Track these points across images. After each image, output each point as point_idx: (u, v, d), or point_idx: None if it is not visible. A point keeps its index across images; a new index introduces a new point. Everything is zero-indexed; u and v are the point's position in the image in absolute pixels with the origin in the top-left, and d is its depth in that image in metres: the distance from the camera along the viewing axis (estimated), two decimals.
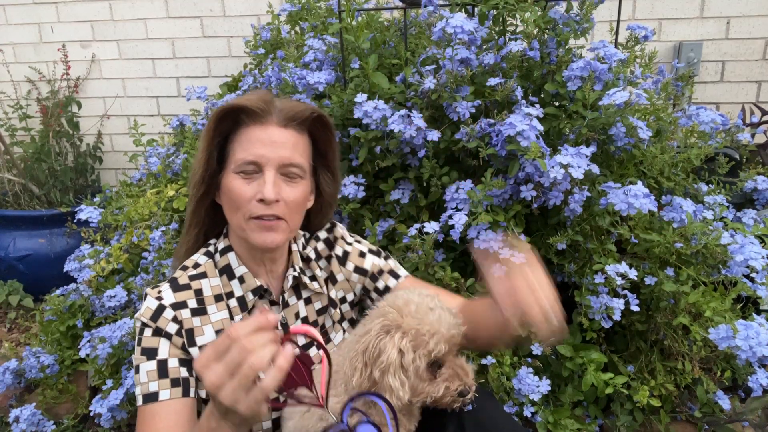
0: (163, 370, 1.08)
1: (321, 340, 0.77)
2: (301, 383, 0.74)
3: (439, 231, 1.63)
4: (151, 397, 1.06)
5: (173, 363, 1.10)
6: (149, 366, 1.10)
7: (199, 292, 1.18)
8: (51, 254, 2.96)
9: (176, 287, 1.17)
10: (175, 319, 1.13)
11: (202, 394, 1.16)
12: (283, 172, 1.15)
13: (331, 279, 1.33)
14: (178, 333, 1.13)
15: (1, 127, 3.48)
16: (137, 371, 1.10)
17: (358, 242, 1.40)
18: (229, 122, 1.17)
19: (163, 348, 1.11)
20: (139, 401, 1.08)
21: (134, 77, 3.59)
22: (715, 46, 3.03)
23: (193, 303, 1.16)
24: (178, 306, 1.15)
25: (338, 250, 1.36)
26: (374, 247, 1.41)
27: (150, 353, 1.11)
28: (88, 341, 1.90)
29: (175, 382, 1.08)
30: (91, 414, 1.80)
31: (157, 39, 3.50)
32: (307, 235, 1.36)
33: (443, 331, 1.02)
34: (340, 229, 1.38)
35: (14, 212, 3.01)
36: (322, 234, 1.36)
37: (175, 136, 2.48)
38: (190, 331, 1.14)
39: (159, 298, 1.14)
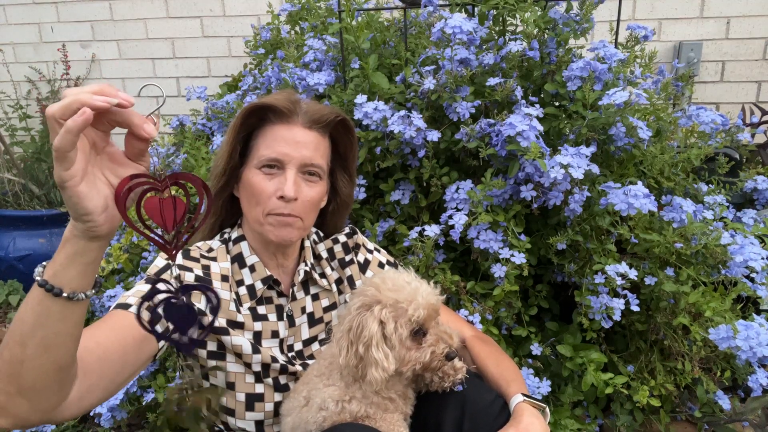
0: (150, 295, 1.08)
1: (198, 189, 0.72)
2: (163, 220, 0.71)
3: (440, 234, 1.63)
4: (123, 306, 1.05)
5: (163, 296, 1.09)
6: (142, 287, 1.10)
7: (206, 267, 1.20)
8: (51, 254, 2.90)
9: (186, 256, 1.18)
10: (177, 278, 1.12)
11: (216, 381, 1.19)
12: (303, 172, 1.19)
13: (349, 282, 1.36)
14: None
15: (1, 127, 3.48)
16: (130, 290, 1.11)
17: (378, 251, 1.45)
18: (255, 119, 1.21)
19: (163, 284, 1.11)
20: (112, 307, 1.07)
21: (134, 77, 3.60)
22: (715, 46, 3.03)
23: (198, 271, 1.17)
24: (184, 268, 1.15)
25: (360, 257, 1.40)
26: (392, 259, 1.46)
27: (150, 281, 1.11)
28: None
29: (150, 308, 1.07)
30: (91, 414, 1.80)
31: (157, 39, 3.50)
32: (321, 233, 1.38)
33: (420, 299, 1.07)
34: (361, 237, 1.43)
35: (14, 212, 3.00)
36: (342, 237, 1.39)
37: (175, 136, 2.48)
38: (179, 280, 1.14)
39: (167, 259, 1.15)
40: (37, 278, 0.76)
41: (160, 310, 0.74)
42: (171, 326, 0.75)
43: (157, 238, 0.72)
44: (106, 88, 0.69)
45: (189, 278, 1.14)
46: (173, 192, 0.71)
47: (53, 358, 0.78)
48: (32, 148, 3.41)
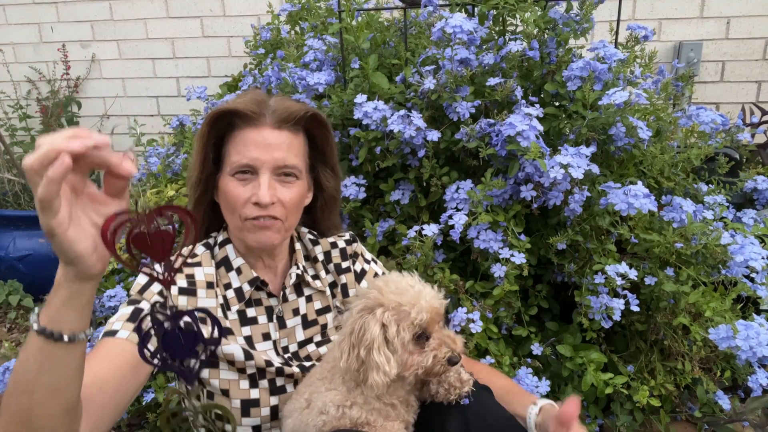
0: (135, 316, 1.07)
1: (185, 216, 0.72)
2: (152, 253, 0.71)
3: (439, 233, 1.63)
4: (110, 333, 1.04)
5: None
6: (125, 310, 1.09)
7: (191, 276, 1.18)
8: (51, 254, 2.95)
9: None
10: (161, 294, 1.12)
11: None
12: (278, 174, 1.16)
13: (343, 290, 1.34)
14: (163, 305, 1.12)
15: (1, 127, 3.48)
16: (115, 315, 1.10)
17: (375, 262, 1.43)
18: (223, 124, 1.18)
19: (146, 303, 1.11)
20: (100, 337, 1.07)
21: (134, 77, 3.60)
22: (715, 46, 3.03)
23: (183, 283, 1.16)
24: None
25: (357, 267, 1.38)
26: (387, 271, 1.44)
27: (133, 302, 1.11)
28: (89, 341, 1.90)
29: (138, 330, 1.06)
30: None
31: (157, 39, 3.50)
32: (314, 233, 1.37)
33: (423, 303, 1.05)
34: (360, 246, 1.42)
35: (14, 212, 3.00)
36: (341, 243, 1.37)
37: (175, 136, 2.48)
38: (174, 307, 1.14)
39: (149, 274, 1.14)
40: (34, 326, 0.75)
41: (152, 331, 0.74)
42: (170, 356, 0.74)
43: (149, 270, 0.71)
44: (80, 132, 0.68)
45: (172, 292, 1.10)
46: (160, 224, 0.70)
47: (61, 401, 0.78)
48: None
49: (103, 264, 0.75)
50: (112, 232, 0.68)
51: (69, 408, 0.80)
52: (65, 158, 0.64)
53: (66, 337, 0.75)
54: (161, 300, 1.09)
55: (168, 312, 0.73)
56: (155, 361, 0.73)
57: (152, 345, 0.73)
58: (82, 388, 0.83)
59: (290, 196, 1.16)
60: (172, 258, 0.72)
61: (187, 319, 0.74)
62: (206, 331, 0.76)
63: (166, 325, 0.73)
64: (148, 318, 0.73)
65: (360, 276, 1.38)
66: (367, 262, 1.41)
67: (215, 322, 0.76)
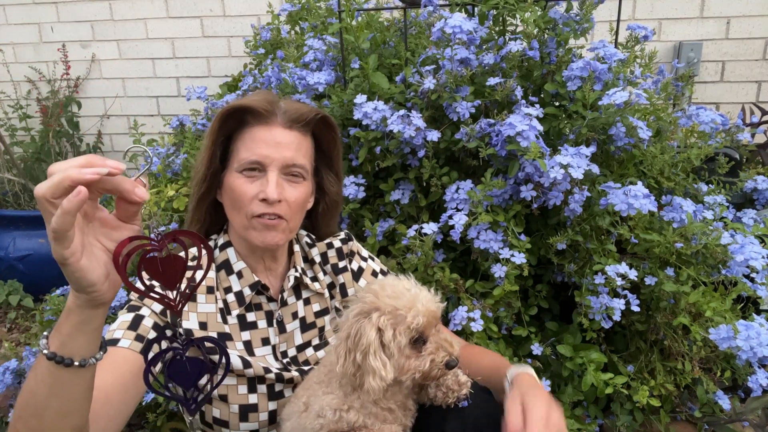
0: (135, 323, 1.07)
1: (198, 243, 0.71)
2: (163, 279, 0.70)
3: (438, 232, 1.63)
4: (112, 342, 1.04)
5: (148, 321, 1.09)
6: (126, 317, 1.09)
7: (191, 280, 1.17)
8: (51, 254, 2.96)
9: None
10: (180, 335, 1.12)
11: (215, 413, 1.18)
12: (286, 173, 1.17)
13: (341, 290, 1.34)
14: (163, 312, 1.12)
15: (1, 127, 3.48)
16: (115, 322, 1.10)
17: (372, 259, 1.43)
18: (233, 122, 1.18)
19: (147, 309, 1.11)
20: None
21: (134, 77, 3.60)
22: (715, 46, 3.03)
23: (182, 287, 1.16)
24: None
25: (354, 265, 1.38)
26: (386, 268, 1.45)
27: (133, 309, 1.11)
28: None
29: (139, 338, 1.06)
30: None
31: (157, 39, 3.50)
32: (312, 236, 1.36)
33: (419, 306, 1.04)
34: (356, 244, 1.41)
35: (14, 212, 3.00)
36: (336, 242, 1.36)
37: (175, 136, 2.48)
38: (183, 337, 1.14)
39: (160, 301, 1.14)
40: (45, 351, 0.75)
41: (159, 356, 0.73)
42: (175, 385, 0.75)
43: (160, 297, 0.72)
44: (93, 159, 0.67)
45: (171, 296, 1.11)
46: (172, 249, 0.70)
47: (70, 423, 0.78)
48: (32, 148, 3.41)
49: (114, 290, 0.75)
50: (125, 257, 0.68)
51: (78, 428, 0.80)
52: (81, 189, 0.64)
53: (77, 363, 0.75)
54: (161, 306, 1.08)
55: (177, 339, 0.73)
56: (152, 382, 0.73)
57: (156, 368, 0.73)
58: None
59: (296, 196, 1.17)
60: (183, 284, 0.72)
61: (194, 346, 0.74)
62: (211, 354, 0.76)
63: (170, 355, 0.73)
64: (156, 343, 0.73)
65: (357, 274, 1.37)
66: (364, 259, 1.40)
67: (225, 355, 0.75)
